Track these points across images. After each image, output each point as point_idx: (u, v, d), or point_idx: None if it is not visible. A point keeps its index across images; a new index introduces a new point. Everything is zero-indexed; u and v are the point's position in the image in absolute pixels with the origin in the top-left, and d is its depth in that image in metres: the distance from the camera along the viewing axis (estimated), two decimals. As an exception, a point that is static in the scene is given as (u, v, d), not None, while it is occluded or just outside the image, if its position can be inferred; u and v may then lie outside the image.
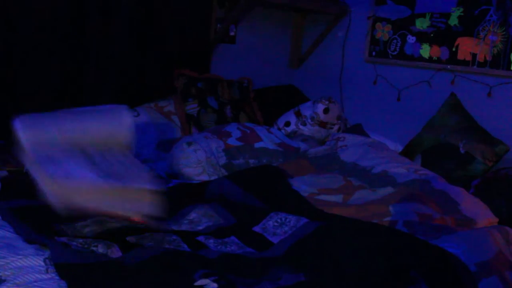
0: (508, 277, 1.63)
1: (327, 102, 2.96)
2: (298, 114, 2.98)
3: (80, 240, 1.40)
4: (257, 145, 2.47)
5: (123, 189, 1.13)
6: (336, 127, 2.95)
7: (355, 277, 1.36)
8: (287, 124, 2.98)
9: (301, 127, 2.92)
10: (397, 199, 1.96)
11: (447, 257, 1.58)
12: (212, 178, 2.31)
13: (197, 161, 2.33)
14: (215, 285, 1.21)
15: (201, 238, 1.59)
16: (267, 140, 2.53)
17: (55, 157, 1.15)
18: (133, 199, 1.12)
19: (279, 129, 2.99)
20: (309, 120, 2.92)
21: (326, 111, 2.94)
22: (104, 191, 1.09)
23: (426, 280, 1.44)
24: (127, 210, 1.08)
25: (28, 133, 1.16)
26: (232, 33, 3.24)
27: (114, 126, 1.28)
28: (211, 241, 1.58)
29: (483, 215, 1.96)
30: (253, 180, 2.06)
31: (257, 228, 1.66)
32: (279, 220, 1.67)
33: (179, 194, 1.99)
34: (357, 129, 2.90)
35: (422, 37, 3.05)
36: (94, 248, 1.38)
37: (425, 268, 1.48)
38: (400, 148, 2.92)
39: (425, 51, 3.04)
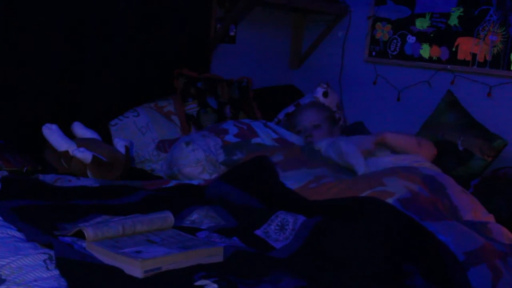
0: (498, 265, 1.61)
1: (325, 86, 2.97)
2: (298, 105, 2.99)
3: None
4: (254, 140, 2.48)
5: (192, 252, 1.36)
6: (336, 116, 2.94)
7: (355, 279, 1.35)
8: (288, 115, 2.98)
9: None
10: (387, 174, 1.97)
11: (438, 246, 1.57)
12: (213, 176, 2.32)
13: (196, 160, 2.33)
14: (215, 285, 1.21)
15: (202, 234, 1.59)
16: (263, 135, 2.53)
17: (123, 244, 1.38)
18: (202, 258, 1.37)
19: (279, 121, 2.98)
20: None
21: (325, 94, 2.94)
22: (178, 257, 1.33)
23: (421, 272, 1.44)
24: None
25: (93, 230, 1.41)
26: (232, 33, 3.24)
27: (162, 219, 1.55)
28: (215, 235, 1.59)
29: (467, 205, 1.96)
30: (248, 178, 2.06)
31: (258, 232, 1.66)
32: (279, 223, 1.67)
33: (179, 195, 1.99)
34: (358, 127, 2.90)
35: (422, 37, 3.05)
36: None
37: (421, 260, 1.48)
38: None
39: (425, 51, 3.04)
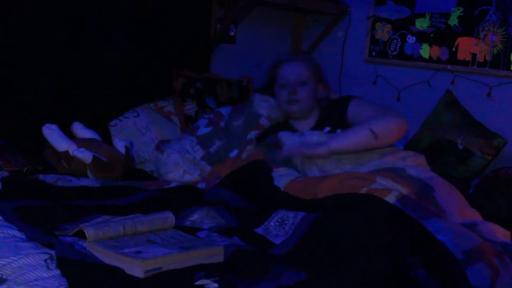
0: (496, 263, 1.63)
1: None
2: None
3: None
4: (222, 123, 2.51)
5: (193, 253, 1.36)
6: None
7: (356, 273, 1.35)
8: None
9: None
10: (377, 173, 1.99)
11: (437, 242, 1.58)
12: (195, 174, 2.36)
13: (174, 164, 2.37)
14: (216, 285, 1.21)
15: (202, 233, 1.59)
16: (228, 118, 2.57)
17: (123, 244, 1.38)
18: (203, 258, 1.36)
19: None
20: None
21: None
22: (179, 258, 1.33)
23: (423, 265, 1.44)
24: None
25: (94, 230, 1.40)
26: (232, 33, 3.24)
27: (163, 219, 1.55)
28: (216, 234, 1.59)
29: (454, 207, 1.96)
30: (245, 184, 2.08)
31: (259, 230, 1.66)
32: (279, 220, 1.68)
33: (180, 196, 1.99)
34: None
35: (422, 37, 3.05)
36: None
37: (422, 253, 1.48)
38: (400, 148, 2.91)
39: (425, 51, 3.04)
